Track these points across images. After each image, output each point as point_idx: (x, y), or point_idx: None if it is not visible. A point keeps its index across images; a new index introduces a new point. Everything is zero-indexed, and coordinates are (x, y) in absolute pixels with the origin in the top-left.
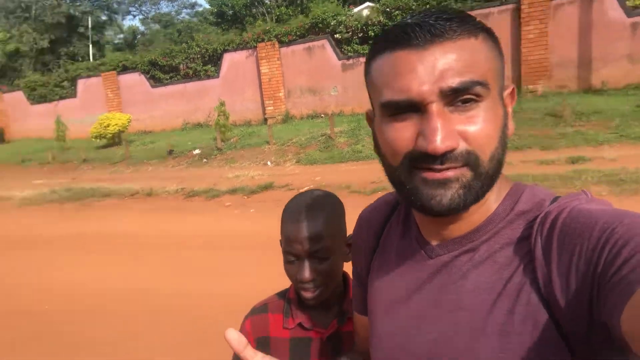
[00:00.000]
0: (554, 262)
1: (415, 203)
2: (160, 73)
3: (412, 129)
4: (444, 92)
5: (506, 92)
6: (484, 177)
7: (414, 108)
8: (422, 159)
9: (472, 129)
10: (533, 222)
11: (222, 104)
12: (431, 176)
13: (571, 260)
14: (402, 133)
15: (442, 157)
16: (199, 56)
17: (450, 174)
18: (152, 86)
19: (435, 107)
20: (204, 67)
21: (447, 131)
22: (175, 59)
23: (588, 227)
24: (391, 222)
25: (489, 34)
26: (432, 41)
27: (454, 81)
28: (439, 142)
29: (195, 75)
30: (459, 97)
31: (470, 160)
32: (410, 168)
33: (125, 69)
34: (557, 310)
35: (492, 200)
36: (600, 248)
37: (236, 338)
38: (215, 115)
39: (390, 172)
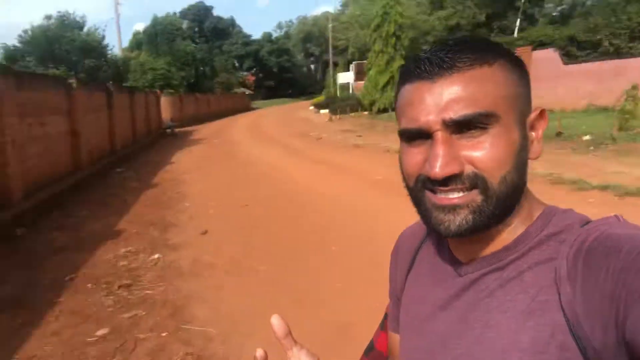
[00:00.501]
0: (579, 283)
1: (428, 224)
2: (576, 50)
3: (422, 154)
4: (446, 123)
5: (532, 115)
6: (496, 200)
7: (425, 135)
8: (429, 182)
9: (478, 153)
10: (562, 244)
11: (635, 87)
12: (440, 201)
13: (597, 281)
14: (414, 158)
15: (446, 180)
16: (627, 31)
17: (459, 200)
18: (564, 63)
19: (440, 135)
20: (629, 45)
21: (450, 157)
22: (597, 35)
23: (615, 250)
24: (427, 241)
25: (510, 60)
26: (441, 74)
27: (456, 114)
28: (439, 168)
29: (617, 53)
30: (463, 127)
31: (477, 182)
32: (422, 190)
33: (542, 45)
34: (581, 331)
35: (521, 222)
36: (627, 269)
37: (278, 324)
38: (623, 100)
39: (409, 192)
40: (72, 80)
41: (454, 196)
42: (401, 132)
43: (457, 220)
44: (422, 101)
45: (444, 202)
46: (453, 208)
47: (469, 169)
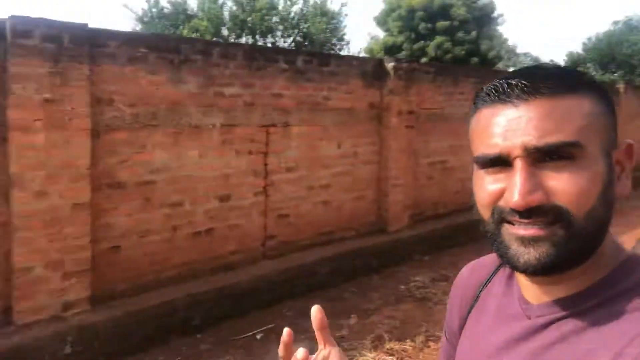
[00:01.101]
0: None
1: (504, 258)
2: None
3: (500, 183)
4: (529, 150)
5: (619, 150)
6: (580, 236)
7: (504, 163)
8: (509, 213)
9: (562, 184)
10: None
11: None
12: (520, 232)
13: None
14: (492, 187)
15: (528, 212)
16: None
17: (541, 232)
18: None
19: (521, 162)
20: None
21: (532, 186)
22: None
23: None
24: (494, 279)
25: (595, 90)
26: (526, 100)
27: (539, 142)
28: (521, 197)
29: None
30: (546, 156)
31: (561, 216)
32: (500, 222)
33: None
34: None
35: (602, 265)
36: None
37: (318, 316)
38: None
39: (483, 224)
40: (620, 85)
41: (536, 228)
42: (477, 159)
43: (538, 254)
44: (502, 126)
45: (526, 233)
46: (535, 240)
47: (552, 201)
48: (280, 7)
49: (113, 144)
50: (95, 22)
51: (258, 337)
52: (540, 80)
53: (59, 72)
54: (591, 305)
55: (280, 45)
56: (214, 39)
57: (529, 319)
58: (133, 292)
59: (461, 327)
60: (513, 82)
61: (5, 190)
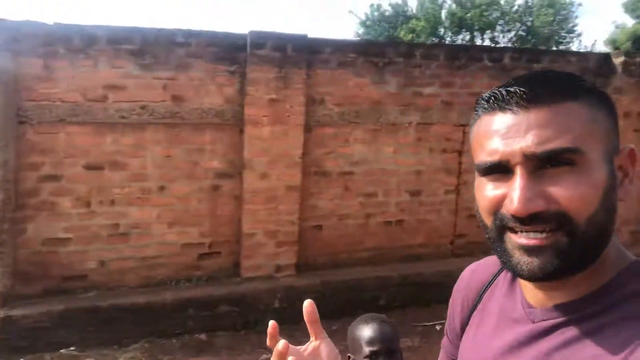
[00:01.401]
0: None
1: (507, 265)
2: None
3: (501, 189)
4: (528, 157)
5: (621, 154)
6: (582, 242)
7: (505, 170)
8: (510, 220)
9: (563, 190)
10: None
11: None
12: (523, 242)
13: None
14: (493, 194)
15: (529, 219)
16: None
17: (544, 241)
18: None
19: (521, 169)
20: None
21: (532, 193)
22: None
23: None
24: (497, 281)
25: (596, 96)
26: (525, 107)
27: (538, 148)
28: (521, 204)
29: None
30: (546, 162)
31: (562, 222)
32: (502, 229)
33: None
34: None
35: (605, 271)
36: None
37: (310, 309)
38: None
39: (485, 231)
40: None
41: (538, 236)
42: (478, 166)
43: (541, 263)
44: (503, 133)
45: (528, 242)
46: (537, 249)
47: (552, 207)
48: (502, 1)
49: (322, 138)
50: (320, 30)
51: (437, 327)
52: (539, 87)
53: (282, 76)
54: (595, 310)
55: (500, 41)
56: (431, 38)
57: (533, 323)
58: (330, 266)
59: (463, 328)
60: (512, 89)
61: (240, 171)
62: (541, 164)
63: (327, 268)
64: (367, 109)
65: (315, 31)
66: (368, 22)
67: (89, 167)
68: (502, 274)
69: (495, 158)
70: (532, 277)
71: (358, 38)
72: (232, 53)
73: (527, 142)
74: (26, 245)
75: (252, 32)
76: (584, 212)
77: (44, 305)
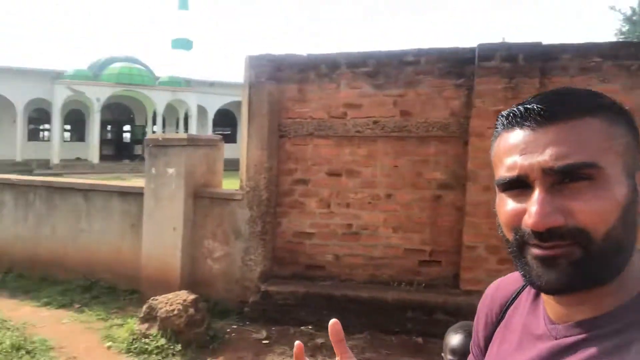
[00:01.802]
0: None
1: (526, 278)
2: None
3: (521, 204)
4: (546, 172)
5: None
6: (598, 257)
7: (524, 185)
8: (529, 235)
9: (580, 205)
10: None
11: None
12: (540, 253)
13: None
14: (513, 209)
15: (548, 234)
16: None
17: (557, 251)
18: None
19: (540, 184)
20: None
21: (551, 208)
22: None
23: None
24: (521, 297)
25: (614, 112)
26: (544, 123)
27: (556, 164)
28: (540, 219)
29: None
30: (565, 177)
31: (579, 238)
32: (522, 243)
33: None
34: None
35: (629, 287)
36: None
37: (335, 329)
38: None
39: (507, 245)
40: None
41: (556, 249)
42: (498, 182)
43: (558, 274)
44: (521, 149)
45: (545, 253)
46: (554, 260)
47: (571, 223)
48: None
49: None
50: (564, 33)
51: None
52: (557, 104)
53: (512, 87)
54: (618, 327)
55: None
56: None
57: (555, 339)
58: None
59: (487, 344)
60: (530, 106)
61: (462, 182)
62: (560, 179)
63: None
64: None
65: (557, 35)
66: (635, 18)
67: (330, 174)
68: (526, 290)
69: (514, 173)
70: (549, 290)
71: (621, 37)
72: (460, 67)
73: (545, 157)
74: (281, 235)
75: (480, 45)
76: (601, 227)
77: (291, 286)
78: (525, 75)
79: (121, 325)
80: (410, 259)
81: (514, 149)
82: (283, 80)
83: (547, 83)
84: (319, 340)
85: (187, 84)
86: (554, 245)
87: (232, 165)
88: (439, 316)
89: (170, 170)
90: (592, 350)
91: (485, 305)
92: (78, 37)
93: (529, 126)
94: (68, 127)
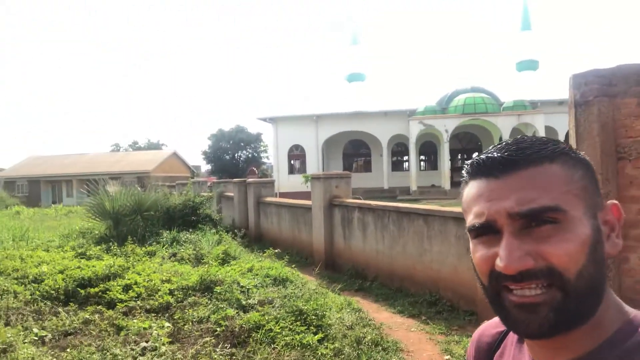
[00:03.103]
0: None
1: (506, 324)
2: None
3: (493, 249)
4: (512, 216)
5: (605, 210)
6: (576, 297)
7: (494, 231)
8: (504, 278)
9: (550, 247)
10: None
11: None
12: (518, 301)
13: None
14: (485, 254)
15: (520, 276)
16: None
17: (539, 298)
18: None
19: (507, 229)
20: None
21: (521, 251)
22: None
23: None
24: (506, 342)
25: (571, 158)
26: (504, 171)
27: (520, 208)
28: (510, 262)
29: None
30: (532, 221)
31: (553, 277)
32: (499, 288)
33: None
34: None
35: (606, 325)
36: None
37: None
38: None
39: (484, 290)
40: None
41: (533, 294)
42: (469, 229)
43: (538, 320)
44: (487, 197)
45: (524, 300)
46: (533, 307)
47: (542, 264)
48: None
49: None
50: None
51: None
52: (518, 152)
53: None
54: None
55: None
56: None
57: None
58: None
59: None
60: (492, 155)
61: None
62: (526, 224)
63: None
64: None
65: None
66: None
67: None
68: (510, 335)
69: (482, 220)
70: (530, 335)
71: None
72: None
73: (510, 203)
74: (629, 274)
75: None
76: (573, 267)
77: None
78: None
79: (458, 342)
80: None
81: (481, 197)
82: (617, 95)
83: None
84: None
85: (534, 105)
86: (529, 286)
87: None
88: None
89: None
90: None
91: (473, 352)
92: (426, 76)
93: (492, 175)
94: (423, 157)
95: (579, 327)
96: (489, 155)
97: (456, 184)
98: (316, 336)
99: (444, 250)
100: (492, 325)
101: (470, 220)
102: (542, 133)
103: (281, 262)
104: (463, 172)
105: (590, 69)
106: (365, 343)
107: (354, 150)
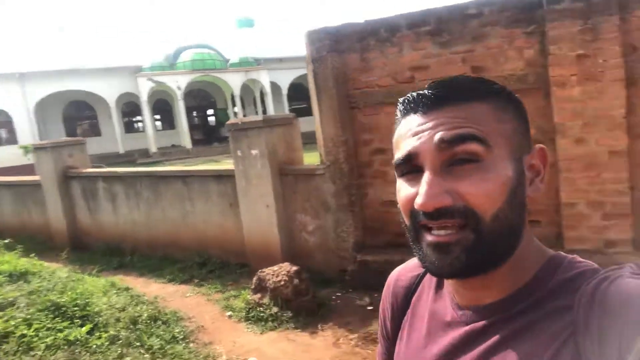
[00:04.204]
0: (597, 336)
1: (422, 264)
2: None
3: (415, 188)
4: (437, 145)
5: (532, 154)
6: (490, 239)
7: (417, 169)
8: (421, 216)
9: (469, 186)
10: (575, 294)
11: None
12: (433, 240)
13: (619, 335)
14: (408, 193)
15: (437, 213)
16: None
17: (451, 237)
18: None
19: (429, 166)
20: None
21: (439, 189)
22: None
23: (632, 302)
24: (423, 284)
25: (504, 98)
26: (435, 107)
27: (446, 134)
28: (427, 199)
29: None
30: (455, 154)
31: (469, 218)
32: (417, 228)
33: None
34: None
35: (527, 267)
36: None
37: None
38: None
39: (407, 231)
40: None
41: (446, 233)
42: (395, 166)
43: (449, 259)
44: (414, 132)
45: (438, 239)
46: (446, 246)
47: (459, 203)
48: None
49: None
50: None
51: None
52: (448, 90)
53: (590, 28)
54: (523, 307)
55: None
56: None
57: (466, 325)
58: None
59: (395, 335)
60: (422, 92)
61: (551, 137)
62: (449, 161)
63: None
64: None
65: None
66: None
67: None
68: (428, 276)
69: (405, 154)
70: (441, 274)
71: None
72: (528, 13)
73: (435, 134)
74: (369, 206)
75: None
76: (490, 209)
77: (386, 255)
78: (603, 14)
79: (237, 296)
80: None
81: (408, 132)
82: (344, 51)
83: (629, 18)
84: None
85: (257, 62)
86: (445, 223)
87: (311, 139)
88: None
89: (254, 152)
90: (503, 333)
91: (389, 296)
92: (150, 30)
93: (421, 111)
94: (158, 117)
95: (493, 269)
96: (420, 92)
97: (197, 141)
98: (83, 328)
99: (207, 209)
100: (408, 269)
101: (396, 156)
102: (268, 89)
103: (14, 253)
104: (396, 111)
105: (323, 26)
106: (142, 322)
107: (78, 113)
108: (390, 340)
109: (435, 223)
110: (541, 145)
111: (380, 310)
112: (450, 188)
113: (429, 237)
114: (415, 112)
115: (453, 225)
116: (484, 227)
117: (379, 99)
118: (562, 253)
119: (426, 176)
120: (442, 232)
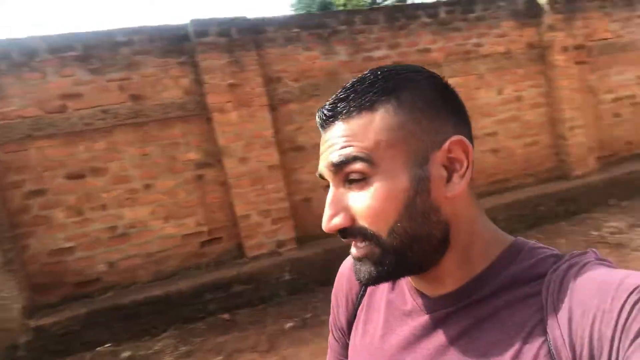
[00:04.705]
0: (565, 323)
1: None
2: None
3: None
4: (328, 169)
5: (444, 149)
6: (394, 252)
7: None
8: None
9: (359, 206)
10: (540, 281)
11: None
12: (352, 254)
13: (583, 322)
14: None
15: (342, 234)
16: None
17: (362, 252)
18: None
19: (332, 184)
20: None
21: (337, 210)
22: None
23: (603, 290)
24: None
25: (395, 103)
26: (328, 123)
27: (334, 156)
28: (326, 223)
29: None
30: (347, 174)
31: (367, 236)
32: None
33: None
34: None
35: (480, 255)
36: (617, 315)
37: None
38: None
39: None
40: None
41: (357, 248)
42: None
43: (363, 272)
44: (321, 151)
45: (353, 254)
46: (359, 260)
47: (356, 223)
48: None
49: (289, 115)
50: (267, 7)
51: None
52: (339, 103)
53: (235, 60)
54: (484, 294)
55: None
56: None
57: (427, 314)
58: (327, 234)
59: (350, 325)
60: (323, 109)
61: (218, 158)
62: (344, 178)
63: (326, 237)
64: (324, 80)
65: (262, 10)
66: None
67: (70, 177)
68: None
69: (318, 174)
70: (362, 284)
71: (295, 12)
72: (178, 44)
73: (329, 155)
74: (34, 259)
75: (193, 21)
76: (383, 226)
77: (67, 312)
78: (243, 49)
79: None
80: (191, 243)
81: (320, 150)
82: None
83: (264, 55)
84: (125, 354)
85: None
86: (353, 240)
87: None
88: (236, 288)
89: None
90: (465, 321)
91: (343, 284)
92: None
93: (322, 127)
94: None
95: (418, 272)
96: (321, 108)
97: None
98: None
99: None
100: None
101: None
102: None
103: None
104: None
105: None
106: None
107: None
108: (344, 332)
109: (346, 241)
110: (455, 137)
111: (333, 300)
112: (346, 208)
113: (351, 250)
114: (321, 128)
115: (361, 240)
116: (384, 242)
117: (24, 131)
118: (522, 239)
119: (328, 197)
120: (353, 249)
